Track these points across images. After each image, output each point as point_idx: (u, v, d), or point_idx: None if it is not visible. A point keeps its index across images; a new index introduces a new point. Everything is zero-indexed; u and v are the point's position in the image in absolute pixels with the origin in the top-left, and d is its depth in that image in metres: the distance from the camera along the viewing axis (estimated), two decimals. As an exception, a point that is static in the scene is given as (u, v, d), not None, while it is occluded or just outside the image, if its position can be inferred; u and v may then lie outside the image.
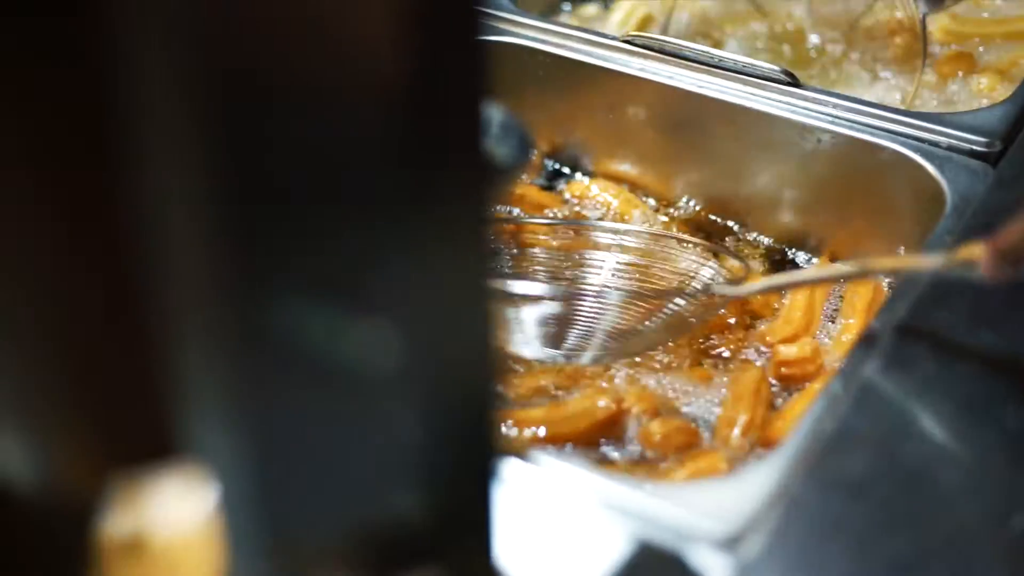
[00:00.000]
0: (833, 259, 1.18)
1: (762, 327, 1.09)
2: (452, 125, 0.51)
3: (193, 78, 0.40)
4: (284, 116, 0.45)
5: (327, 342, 0.51)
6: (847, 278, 1.07)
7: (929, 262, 0.91)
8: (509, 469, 0.76)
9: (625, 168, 1.29)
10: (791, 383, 1.03)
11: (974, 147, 1.11)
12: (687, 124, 1.23)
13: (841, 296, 1.12)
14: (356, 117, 0.48)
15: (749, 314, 1.11)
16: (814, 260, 1.19)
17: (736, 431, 0.96)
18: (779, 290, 1.08)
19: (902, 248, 1.12)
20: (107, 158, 0.41)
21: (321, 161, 0.47)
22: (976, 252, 0.85)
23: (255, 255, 0.46)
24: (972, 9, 1.46)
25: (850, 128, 1.14)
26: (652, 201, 1.26)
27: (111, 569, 0.57)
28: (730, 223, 1.24)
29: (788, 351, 1.03)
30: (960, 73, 1.35)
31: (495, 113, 0.72)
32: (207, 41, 0.40)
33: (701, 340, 1.08)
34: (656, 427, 0.96)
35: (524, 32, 1.29)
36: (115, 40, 0.40)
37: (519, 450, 0.79)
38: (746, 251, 1.20)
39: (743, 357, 1.06)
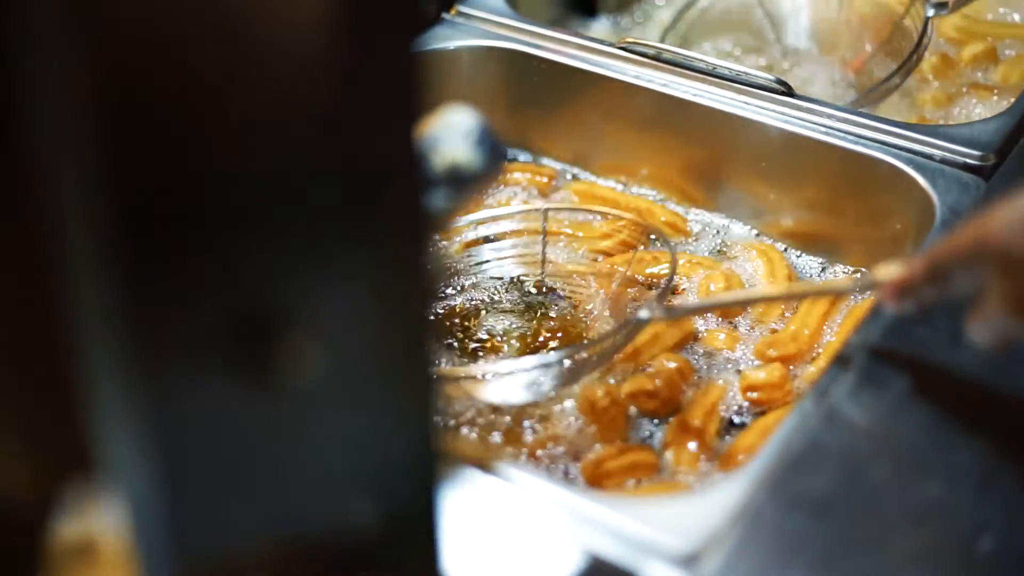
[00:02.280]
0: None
1: (760, 339, 1.07)
2: (384, 138, 0.51)
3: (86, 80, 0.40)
4: (206, 125, 0.45)
5: (263, 359, 0.50)
6: (774, 300, 1.05)
7: (841, 285, 1.01)
8: (464, 479, 0.76)
9: (619, 176, 1.28)
10: (758, 406, 1.00)
11: (968, 160, 1.09)
12: (681, 131, 1.22)
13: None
14: (285, 132, 0.47)
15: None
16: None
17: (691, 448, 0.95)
18: (708, 311, 1.07)
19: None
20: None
21: (244, 177, 0.47)
22: (887, 274, 0.84)
23: (174, 264, 0.46)
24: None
25: (843, 139, 1.13)
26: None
27: (60, 572, 0.57)
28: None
29: (756, 375, 1.00)
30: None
31: (468, 119, 0.72)
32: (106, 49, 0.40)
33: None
34: (611, 464, 0.93)
35: (520, 37, 1.28)
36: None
37: (477, 461, 0.78)
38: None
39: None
